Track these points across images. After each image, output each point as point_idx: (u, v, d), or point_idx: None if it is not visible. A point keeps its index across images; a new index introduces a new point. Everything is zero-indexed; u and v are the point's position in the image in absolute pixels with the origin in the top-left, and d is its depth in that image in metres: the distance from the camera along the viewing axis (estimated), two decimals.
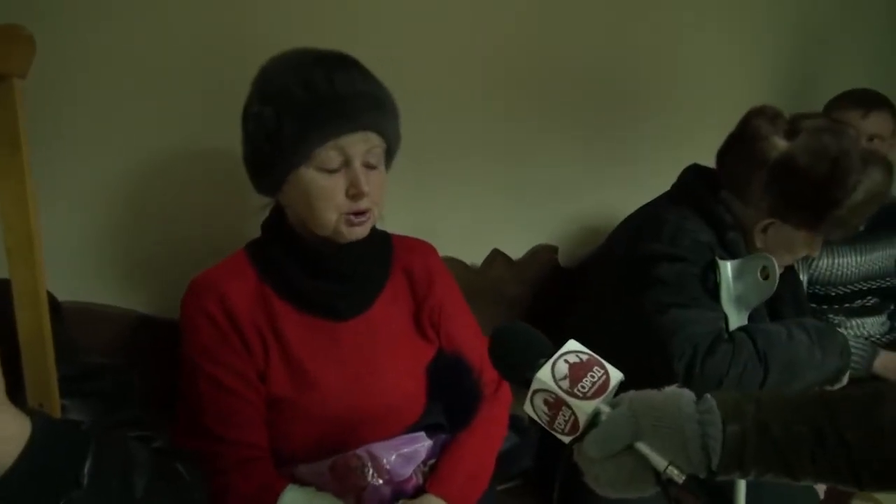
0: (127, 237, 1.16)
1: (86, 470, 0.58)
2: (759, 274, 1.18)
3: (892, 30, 2.24)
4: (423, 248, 1.14)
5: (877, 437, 0.60)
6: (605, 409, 0.63)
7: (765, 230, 1.23)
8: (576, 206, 1.68)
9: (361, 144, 0.94)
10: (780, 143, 1.17)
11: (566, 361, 0.65)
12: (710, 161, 1.32)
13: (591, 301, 1.37)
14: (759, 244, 1.25)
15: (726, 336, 1.17)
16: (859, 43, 2.16)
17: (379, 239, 1.08)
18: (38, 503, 0.56)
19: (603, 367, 0.65)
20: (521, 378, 0.67)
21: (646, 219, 1.33)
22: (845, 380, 1.30)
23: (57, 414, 0.64)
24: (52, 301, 0.72)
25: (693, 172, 1.34)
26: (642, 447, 0.61)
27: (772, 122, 1.19)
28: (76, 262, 1.11)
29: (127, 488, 0.63)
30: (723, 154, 1.27)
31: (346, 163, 0.94)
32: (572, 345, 0.67)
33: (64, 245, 1.09)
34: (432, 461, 1.05)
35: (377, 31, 1.30)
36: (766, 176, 1.17)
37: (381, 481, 0.98)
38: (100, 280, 1.14)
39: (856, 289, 1.75)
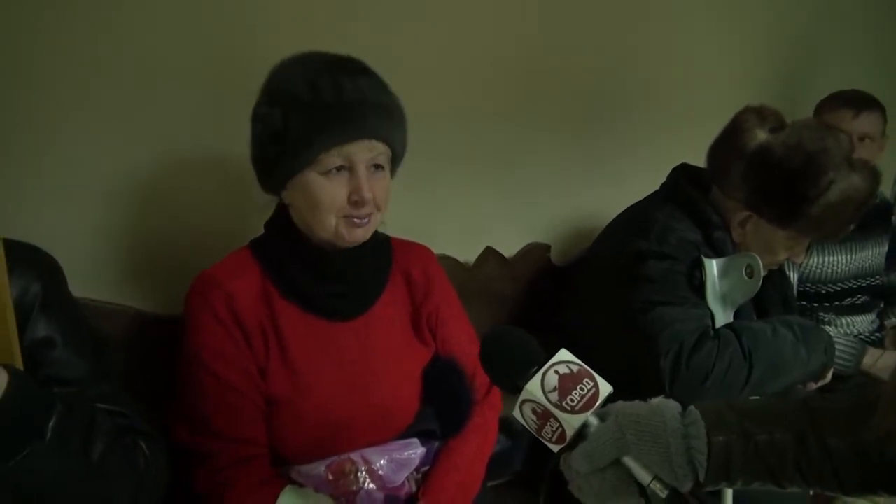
0: (127, 235, 1.17)
1: (50, 425, 0.65)
2: (743, 272, 1.19)
3: (881, 30, 2.25)
4: (421, 252, 1.15)
5: (859, 444, 0.61)
6: (594, 421, 0.63)
7: (742, 224, 1.24)
8: (568, 204, 1.69)
9: (366, 152, 0.94)
10: (761, 135, 1.18)
11: (556, 372, 0.64)
12: (698, 160, 1.33)
13: (581, 299, 1.39)
14: (737, 239, 1.26)
15: (712, 333, 1.19)
16: (849, 44, 2.17)
17: (380, 242, 1.08)
18: (4, 448, 0.62)
19: (593, 378, 0.65)
20: (511, 386, 0.66)
21: (634, 217, 1.35)
22: (829, 376, 1.32)
23: None
24: (53, 265, 0.80)
25: (681, 172, 1.36)
26: (628, 462, 0.62)
27: (761, 117, 1.21)
28: (76, 259, 1.12)
29: (85, 449, 0.69)
30: (712, 146, 1.29)
31: (350, 168, 0.94)
32: (563, 354, 0.66)
33: (64, 242, 1.10)
34: (425, 468, 1.06)
35: (370, 34, 1.31)
36: (744, 166, 1.19)
37: (373, 486, 0.99)
38: (99, 277, 1.15)
39: (846, 287, 1.77)
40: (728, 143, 1.23)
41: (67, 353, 0.75)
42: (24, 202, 1.08)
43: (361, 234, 0.98)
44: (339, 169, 0.94)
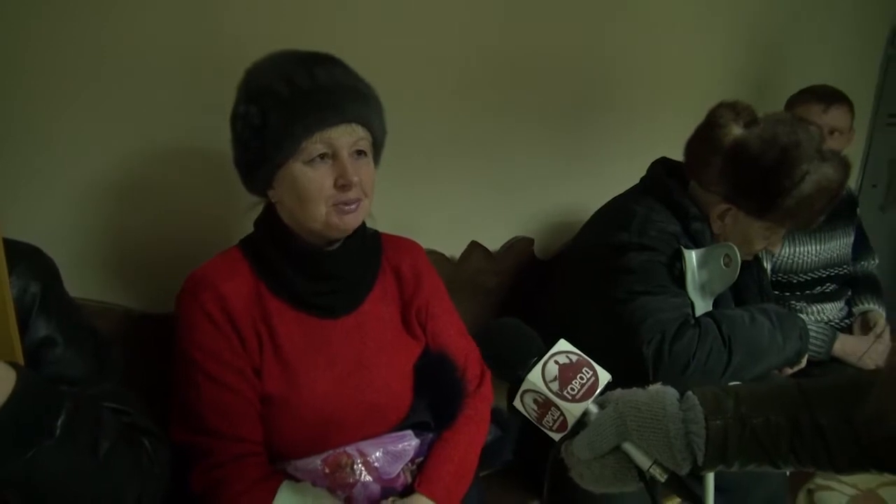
0: (118, 234, 1.17)
1: (59, 423, 0.64)
2: (721, 262, 1.22)
3: (849, 29, 2.32)
4: (411, 248, 1.16)
5: (850, 424, 0.63)
6: (594, 409, 0.65)
7: (722, 217, 1.27)
8: (551, 198, 1.72)
9: (347, 136, 0.95)
10: (736, 131, 1.21)
11: (556, 362, 0.66)
12: (678, 154, 1.37)
13: (564, 291, 1.41)
14: (716, 230, 1.29)
15: (692, 321, 1.21)
16: (820, 41, 2.23)
17: (369, 237, 1.09)
18: (14, 446, 0.62)
19: (592, 368, 0.66)
20: (511, 376, 0.68)
21: (616, 210, 1.37)
22: (804, 362, 1.37)
23: None
24: (51, 265, 0.79)
25: (661, 165, 1.38)
26: (629, 448, 0.63)
27: (735, 113, 1.23)
28: (66, 259, 1.11)
29: (92, 447, 0.69)
30: (689, 142, 1.32)
31: (334, 155, 0.95)
32: (563, 345, 0.67)
33: (55, 241, 1.09)
34: (420, 460, 1.07)
35: (356, 32, 1.32)
36: (721, 162, 1.21)
37: (370, 478, 1.00)
38: (87, 276, 1.15)
39: (815, 276, 1.82)
40: (704, 138, 1.26)
41: (69, 351, 0.74)
42: (14, 202, 1.07)
43: (352, 221, 0.98)
44: (322, 157, 0.95)
